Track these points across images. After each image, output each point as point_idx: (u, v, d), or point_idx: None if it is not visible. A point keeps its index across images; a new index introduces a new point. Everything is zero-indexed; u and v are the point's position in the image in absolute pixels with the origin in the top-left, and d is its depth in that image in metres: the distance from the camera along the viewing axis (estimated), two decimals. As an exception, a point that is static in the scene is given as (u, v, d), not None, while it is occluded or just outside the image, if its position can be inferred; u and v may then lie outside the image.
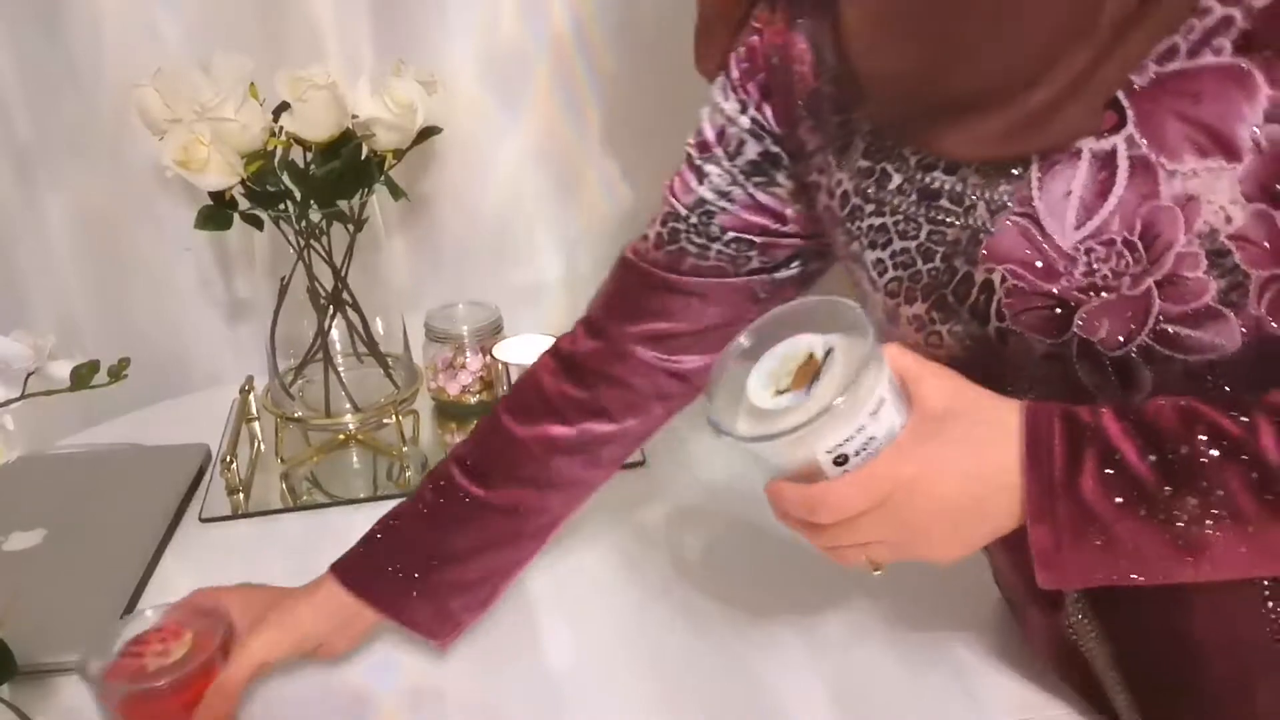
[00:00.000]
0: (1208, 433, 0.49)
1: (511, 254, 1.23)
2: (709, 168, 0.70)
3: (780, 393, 0.53)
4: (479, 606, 0.76)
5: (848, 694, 0.72)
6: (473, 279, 1.22)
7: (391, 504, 0.95)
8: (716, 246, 0.70)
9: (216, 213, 0.93)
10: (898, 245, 0.60)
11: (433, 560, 0.74)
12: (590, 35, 1.14)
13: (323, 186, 0.92)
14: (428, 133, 0.97)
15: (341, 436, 1.05)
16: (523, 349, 1.01)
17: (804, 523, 0.54)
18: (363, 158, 0.93)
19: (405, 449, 1.02)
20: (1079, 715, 0.69)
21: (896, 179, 0.60)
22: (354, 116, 0.92)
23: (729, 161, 0.69)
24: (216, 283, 1.20)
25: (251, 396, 1.09)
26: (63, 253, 1.14)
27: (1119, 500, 0.50)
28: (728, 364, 0.55)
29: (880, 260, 0.61)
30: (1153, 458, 0.49)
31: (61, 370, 0.66)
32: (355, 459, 1.05)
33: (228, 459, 0.97)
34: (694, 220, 0.71)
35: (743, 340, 0.55)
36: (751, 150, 0.68)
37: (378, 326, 1.03)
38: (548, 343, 1.00)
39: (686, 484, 0.97)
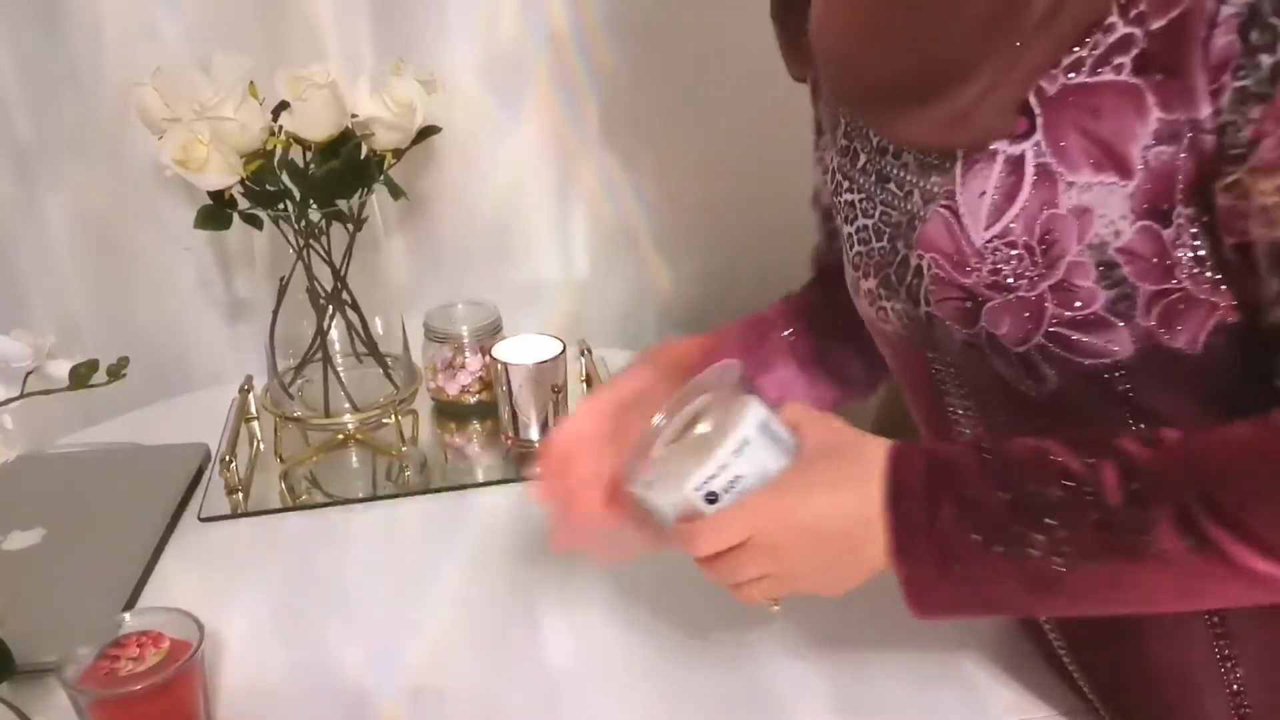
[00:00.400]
0: (1057, 472, 0.51)
1: (511, 254, 1.23)
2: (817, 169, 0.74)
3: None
4: None
5: (849, 693, 0.72)
6: (472, 279, 1.22)
7: (391, 504, 0.96)
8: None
9: (216, 212, 0.93)
10: (861, 222, 0.63)
11: None
12: (590, 35, 1.14)
13: (322, 186, 0.92)
14: (427, 132, 0.97)
15: (341, 436, 1.05)
16: (522, 349, 1.01)
17: (697, 561, 0.57)
18: (362, 157, 0.93)
19: (404, 449, 1.02)
20: (1079, 716, 0.69)
21: (862, 158, 0.63)
22: (353, 116, 0.92)
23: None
24: (216, 282, 1.20)
25: (251, 396, 1.09)
26: (62, 252, 1.14)
27: (975, 537, 0.51)
28: (647, 439, 0.58)
29: (850, 234, 0.64)
30: (1005, 495, 0.51)
31: (61, 369, 0.66)
32: (354, 459, 1.05)
33: (227, 458, 0.97)
34: (827, 224, 0.76)
35: (656, 419, 0.58)
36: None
37: (377, 326, 1.03)
38: (548, 343, 1.01)
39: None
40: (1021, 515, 0.51)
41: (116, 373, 0.67)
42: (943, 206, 0.56)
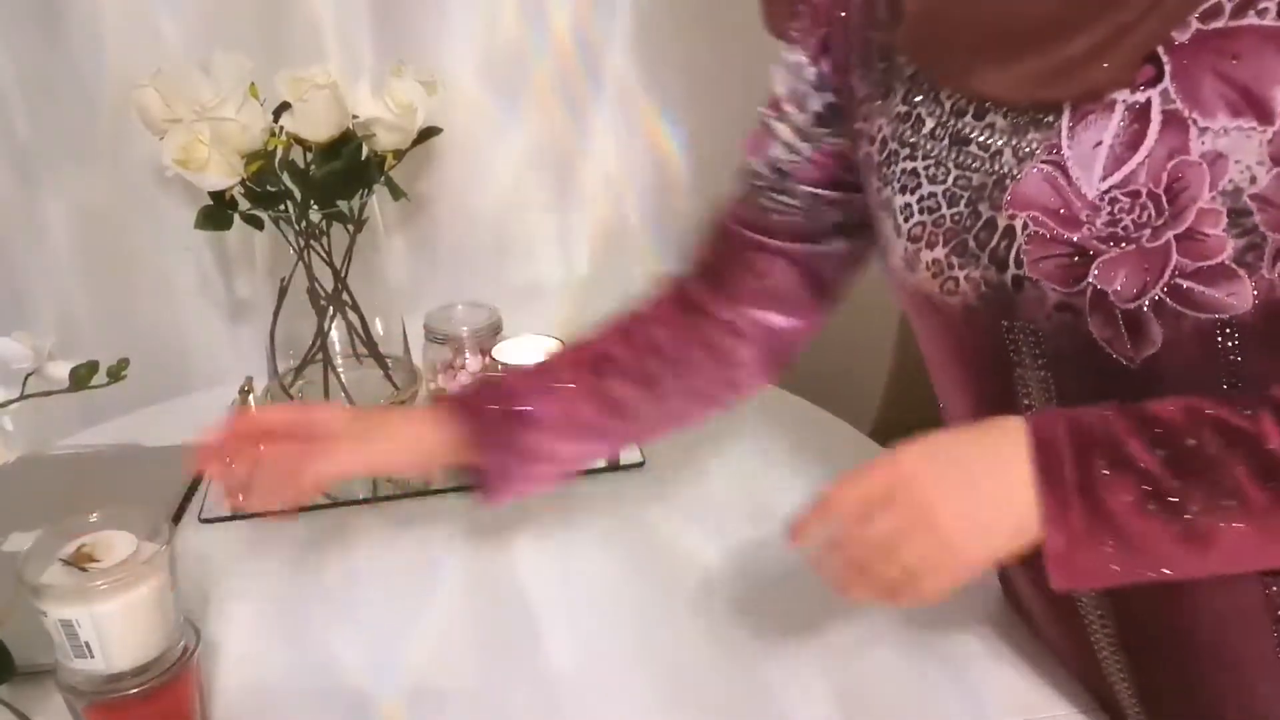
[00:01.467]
0: (1213, 426, 0.50)
1: (511, 254, 1.23)
2: (779, 126, 0.72)
3: None
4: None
5: (849, 693, 0.72)
6: (472, 280, 1.22)
7: (391, 504, 0.96)
8: (793, 202, 0.72)
9: (216, 213, 0.93)
10: (925, 190, 0.61)
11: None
12: (590, 35, 1.14)
13: (323, 187, 0.92)
14: (428, 133, 0.97)
15: (341, 437, 1.05)
16: (522, 350, 1.01)
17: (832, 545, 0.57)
18: (363, 158, 0.93)
19: (405, 449, 1.02)
20: (1080, 715, 0.69)
21: (929, 123, 0.62)
22: (354, 117, 0.92)
23: (799, 116, 0.71)
24: (216, 283, 1.20)
25: (251, 397, 1.08)
26: (63, 253, 1.14)
27: (1128, 498, 0.50)
28: None
29: (908, 205, 0.63)
30: (1160, 453, 0.50)
31: (61, 371, 0.66)
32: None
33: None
34: (770, 177, 0.73)
35: None
36: (816, 103, 0.70)
37: (377, 327, 1.03)
38: (548, 343, 1.01)
39: (686, 484, 0.97)
40: (1180, 472, 0.50)
41: (116, 374, 0.67)
42: (1044, 163, 0.55)
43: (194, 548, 0.90)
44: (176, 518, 0.94)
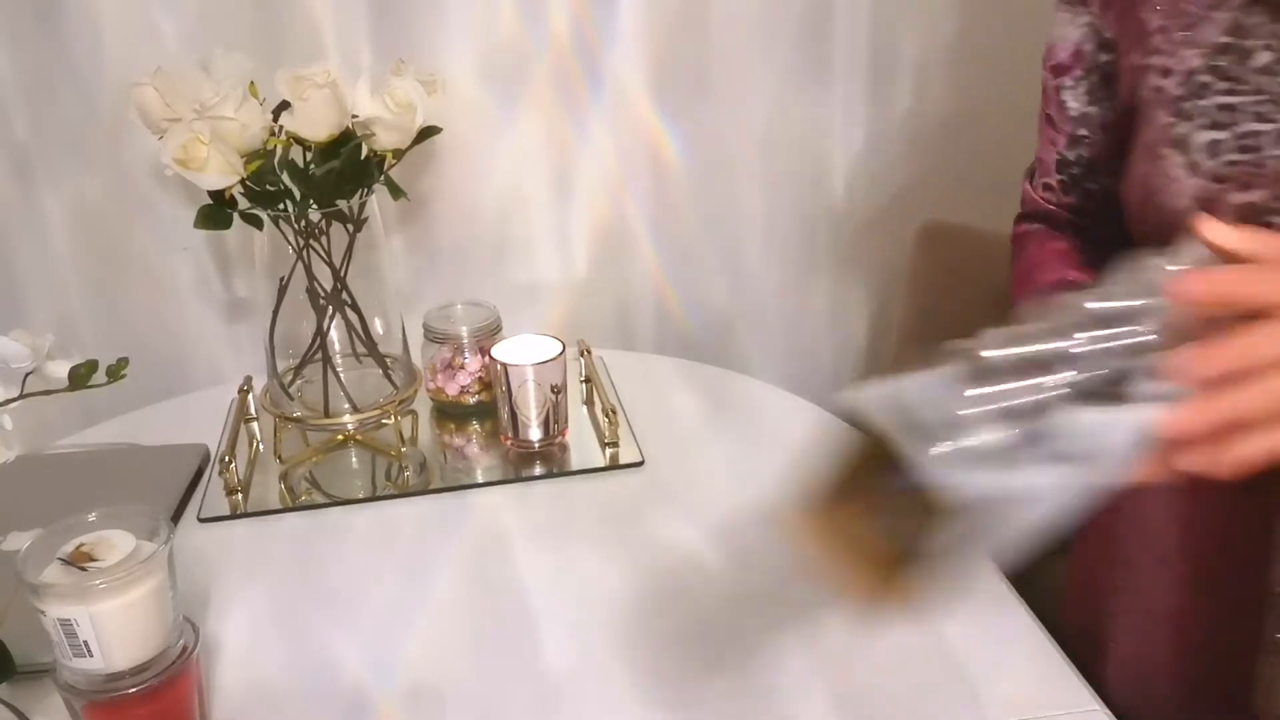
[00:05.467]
0: None
1: (510, 254, 1.24)
2: (1067, 95, 0.71)
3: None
4: None
5: (849, 693, 0.72)
6: (471, 279, 1.22)
7: (391, 505, 0.96)
8: (1100, 181, 0.72)
9: (216, 212, 0.93)
10: (1246, 127, 0.59)
11: None
12: (590, 35, 1.14)
13: (322, 186, 0.92)
14: (428, 133, 0.97)
15: (340, 437, 1.05)
16: (522, 349, 1.01)
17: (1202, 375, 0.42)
18: (362, 157, 0.93)
19: (404, 449, 1.02)
20: (1081, 715, 0.69)
21: (1265, 57, 0.59)
22: (354, 116, 0.92)
23: (1084, 78, 0.70)
24: (215, 282, 1.20)
25: (250, 396, 1.09)
26: (62, 252, 1.14)
27: None
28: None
29: (1217, 142, 0.60)
30: None
31: (60, 370, 0.66)
32: (354, 459, 1.05)
33: (226, 459, 0.97)
34: (1072, 157, 0.73)
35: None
36: (1099, 57, 0.69)
37: (376, 327, 1.03)
38: (547, 343, 1.01)
39: (686, 484, 0.97)
40: None
41: (116, 373, 0.67)
42: None
43: (194, 548, 0.90)
44: (175, 517, 0.94)
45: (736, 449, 1.01)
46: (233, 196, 0.93)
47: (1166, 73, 0.63)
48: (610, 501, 0.94)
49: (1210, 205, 0.59)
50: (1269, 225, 0.57)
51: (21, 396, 0.64)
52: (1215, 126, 0.60)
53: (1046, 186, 0.77)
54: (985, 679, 0.72)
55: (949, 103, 1.23)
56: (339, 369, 1.02)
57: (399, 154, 0.96)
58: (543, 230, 1.23)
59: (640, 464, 0.99)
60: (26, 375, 0.65)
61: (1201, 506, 0.66)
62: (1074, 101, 0.72)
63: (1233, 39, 0.60)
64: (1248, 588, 0.64)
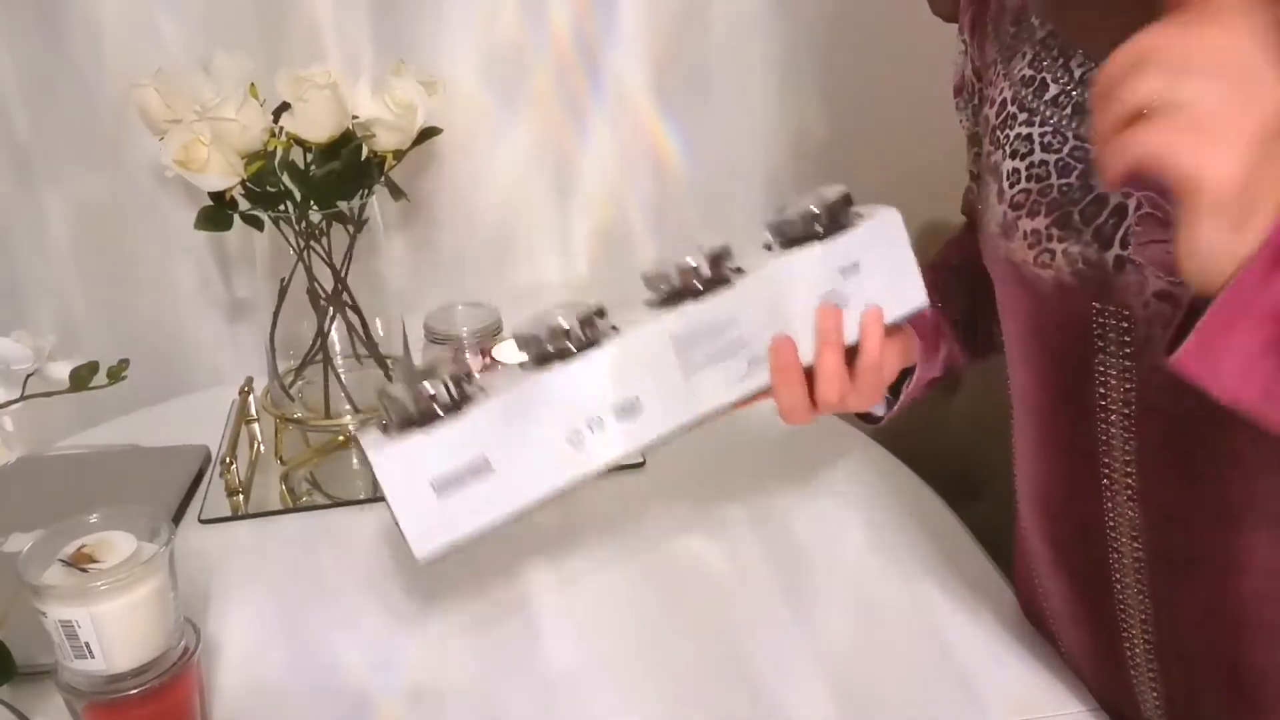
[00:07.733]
0: None
1: (511, 254, 1.23)
2: (961, 116, 0.74)
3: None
4: None
5: (849, 693, 0.72)
6: (472, 280, 1.22)
7: (391, 505, 0.96)
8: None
9: (216, 213, 0.93)
10: (1038, 156, 0.60)
11: None
12: (590, 35, 1.14)
13: (323, 187, 0.92)
14: (428, 133, 0.97)
15: (341, 438, 1.05)
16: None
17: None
18: (363, 158, 0.93)
19: (405, 450, 1.02)
20: (1081, 715, 0.69)
21: (1054, 89, 0.60)
22: (354, 117, 0.92)
23: (967, 103, 0.73)
24: (216, 283, 1.20)
25: (251, 397, 1.09)
26: (62, 253, 1.14)
27: None
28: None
29: (1016, 170, 0.61)
30: None
31: (61, 371, 0.66)
32: (355, 460, 1.05)
33: (227, 460, 0.97)
34: (974, 170, 0.76)
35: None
36: (975, 83, 0.71)
37: (377, 327, 1.03)
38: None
39: (686, 485, 0.97)
40: None
41: (116, 374, 0.67)
42: None
43: (194, 548, 0.90)
44: (176, 518, 0.94)
45: (737, 450, 1.01)
46: (233, 198, 0.93)
47: (991, 103, 0.66)
48: (611, 502, 0.94)
49: (1010, 230, 0.61)
50: (1049, 253, 0.58)
51: (23, 398, 0.64)
52: (1015, 155, 0.62)
53: (968, 190, 0.82)
54: (985, 679, 0.72)
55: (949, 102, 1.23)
56: (340, 370, 1.02)
57: (399, 155, 0.96)
58: (543, 230, 1.23)
59: (641, 465, 0.99)
60: (28, 376, 0.65)
61: (1046, 480, 0.67)
62: (965, 122, 0.76)
63: (1033, 71, 0.62)
64: (1094, 556, 0.64)
